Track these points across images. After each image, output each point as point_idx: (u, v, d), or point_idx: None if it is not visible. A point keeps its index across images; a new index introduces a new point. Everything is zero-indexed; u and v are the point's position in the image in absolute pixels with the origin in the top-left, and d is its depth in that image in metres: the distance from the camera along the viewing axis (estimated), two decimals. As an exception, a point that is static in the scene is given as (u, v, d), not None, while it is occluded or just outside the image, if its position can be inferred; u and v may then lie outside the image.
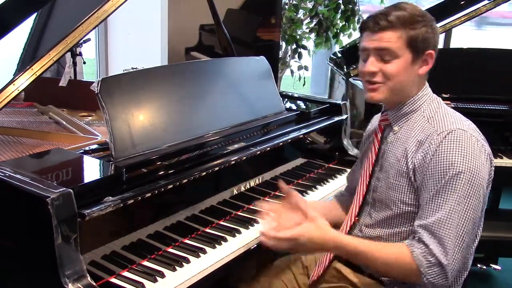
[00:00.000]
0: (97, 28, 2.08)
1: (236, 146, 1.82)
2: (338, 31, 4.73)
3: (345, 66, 3.25)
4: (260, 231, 1.44)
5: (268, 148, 1.90)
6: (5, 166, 1.40)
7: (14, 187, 1.30)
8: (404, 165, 1.45)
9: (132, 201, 1.41)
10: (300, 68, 4.79)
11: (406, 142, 1.47)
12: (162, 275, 1.39)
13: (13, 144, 1.86)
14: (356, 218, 1.60)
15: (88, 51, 3.63)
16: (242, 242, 1.60)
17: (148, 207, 1.51)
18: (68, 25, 1.71)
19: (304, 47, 4.75)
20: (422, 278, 1.33)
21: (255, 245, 1.60)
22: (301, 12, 4.70)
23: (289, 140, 2.03)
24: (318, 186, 2.07)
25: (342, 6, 4.61)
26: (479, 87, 2.80)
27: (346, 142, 2.36)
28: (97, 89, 1.56)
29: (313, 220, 1.40)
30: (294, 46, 4.68)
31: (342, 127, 2.34)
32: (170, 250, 1.52)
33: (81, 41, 2.20)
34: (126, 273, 1.40)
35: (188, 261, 1.46)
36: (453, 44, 4.74)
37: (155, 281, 1.37)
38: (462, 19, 2.98)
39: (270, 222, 1.47)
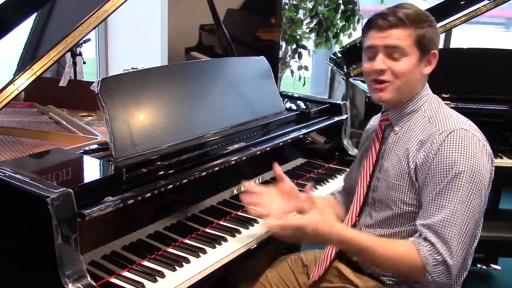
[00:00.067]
0: (97, 28, 2.08)
1: (236, 146, 1.82)
2: (338, 31, 4.73)
3: (345, 66, 3.24)
4: (266, 215, 1.43)
5: (268, 148, 1.90)
6: (5, 166, 1.40)
7: (14, 187, 1.30)
8: (405, 165, 1.45)
9: (132, 201, 1.41)
10: (300, 68, 4.79)
11: (408, 142, 1.47)
12: (162, 275, 1.39)
13: (13, 144, 1.86)
14: (357, 218, 1.60)
15: (88, 51, 3.63)
16: (242, 242, 1.59)
17: (148, 207, 1.51)
18: (68, 25, 1.71)
19: (304, 47, 4.75)
20: (426, 277, 1.33)
21: (255, 245, 1.60)
22: (301, 12, 4.70)
23: (289, 140, 2.04)
24: (318, 186, 2.07)
25: (342, 6, 4.61)
26: (479, 87, 2.80)
27: (346, 142, 2.36)
28: (97, 89, 1.56)
29: (322, 211, 1.39)
30: (294, 46, 4.68)
31: (342, 127, 2.34)
32: (170, 250, 1.52)
33: (81, 41, 2.20)
34: (126, 273, 1.39)
35: (188, 261, 1.46)
36: (453, 44, 4.74)
37: (155, 281, 1.36)
38: (462, 19, 2.98)
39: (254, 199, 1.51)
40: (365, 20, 2.17)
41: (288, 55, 4.73)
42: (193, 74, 1.90)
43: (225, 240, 1.59)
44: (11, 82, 1.62)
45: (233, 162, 1.75)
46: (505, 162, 2.57)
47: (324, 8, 4.64)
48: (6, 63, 1.87)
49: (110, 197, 1.36)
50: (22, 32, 1.97)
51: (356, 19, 4.70)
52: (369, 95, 2.60)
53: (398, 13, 1.42)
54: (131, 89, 1.67)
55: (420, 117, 1.48)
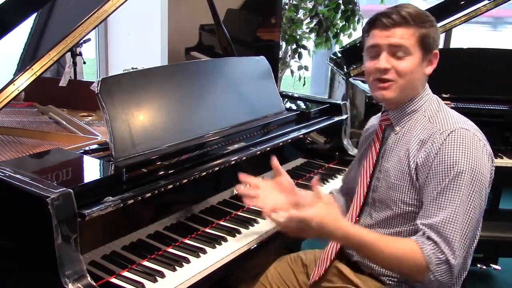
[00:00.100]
0: (97, 28, 2.08)
1: (236, 146, 1.82)
2: (338, 31, 4.73)
3: (345, 66, 3.25)
4: (272, 207, 1.42)
5: (268, 148, 1.90)
6: (5, 166, 1.40)
7: (14, 187, 1.30)
8: (406, 164, 1.45)
9: (132, 201, 1.41)
10: (300, 68, 4.79)
11: (408, 142, 1.47)
12: (162, 275, 1.39)
13: (13, 144, 1.87)
14: (357, 218, 1.60)
15: (88, 51, 3.63)
16: (242, 242, 1.59)
17: (148, 207, 1.51)
18: (68, 25, 1.71)
19: (304, 47, 4.75)
20: (429, 275, 1.32)
21: (255, 245, 1.60)
22: (301, 12, 4.71)
23: (289, 140, 2.03)
24: (318, 186, 2.06)
25: (342, 6, 4.61)
26: (479, 87, 2.80)
27: (346, 142, 2.36)
28: (97, 89, 1.56)
29: (327, 206, 1.37)
30: (294, 46, 4.69)
31: (342, 127, 2.34)
32: (170, 250, 1.52)
33: (81, 41, 2.20)
34: (126, 273, 1.39)
35: (188, 261, 1.46)
36: (453, 44, 4.74)
37: (155, 281, 1.36)
38: (462, 19, 2.98)
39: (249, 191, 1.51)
40: (365, 20, 2.17)
41: (288, 55, 4.74)
42: (193, 74, 1.90)
43: (225, 240, 1.59)
44: (11, 82, 1.62)
45: (233, 162, 1.75)
46: (505, 162, 2.57)
47: (324, 8, 4.64)
48: (6, 63, 1.87)
49: (110, 197, 1.36)
50: (22, 32, 1.97)
51: (356, 19, 4.70)
52: (369, 95, 2.60)
53: (401, 12, 1.42)
54: (131, 89, 1.67)
55: (420, 117, 1.48)
